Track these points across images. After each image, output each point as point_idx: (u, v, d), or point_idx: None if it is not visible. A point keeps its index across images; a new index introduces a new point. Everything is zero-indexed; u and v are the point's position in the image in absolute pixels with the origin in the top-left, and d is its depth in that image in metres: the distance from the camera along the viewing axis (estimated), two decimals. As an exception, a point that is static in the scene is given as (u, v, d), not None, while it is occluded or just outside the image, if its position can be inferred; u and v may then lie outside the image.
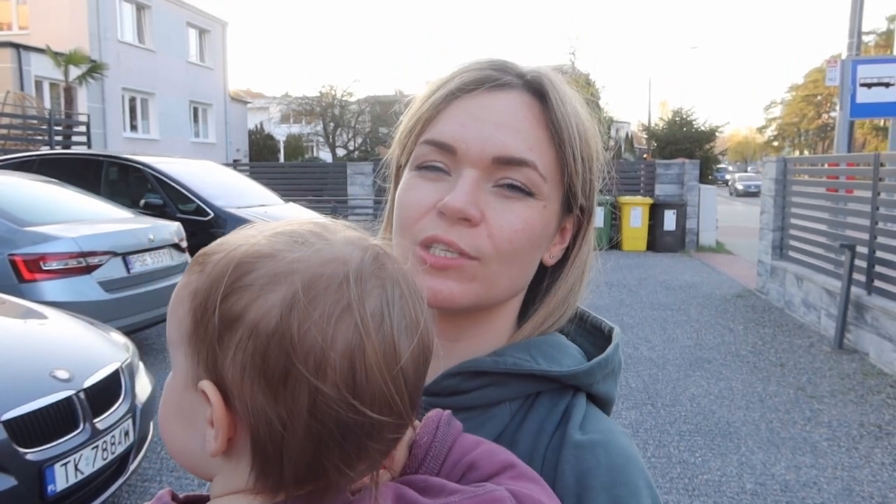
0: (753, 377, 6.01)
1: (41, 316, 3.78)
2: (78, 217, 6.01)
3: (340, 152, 33.09)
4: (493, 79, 0.75)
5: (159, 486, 3.93)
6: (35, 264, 5.08)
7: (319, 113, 32.90)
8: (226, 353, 0.52)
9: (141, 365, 3.75)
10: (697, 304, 9.05)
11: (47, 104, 19.89)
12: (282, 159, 34.18)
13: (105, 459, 3.03)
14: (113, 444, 3.09)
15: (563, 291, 0.80)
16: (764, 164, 10.32)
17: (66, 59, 17.29)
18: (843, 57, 11.69)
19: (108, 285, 5.46)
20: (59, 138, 15.71)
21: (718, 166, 43.23)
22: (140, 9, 25.90)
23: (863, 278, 6.80)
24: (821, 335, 7.42)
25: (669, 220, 14.53)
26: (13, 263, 5.05)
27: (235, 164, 18.63)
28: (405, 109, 0.82)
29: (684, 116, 30.87)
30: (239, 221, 8.79)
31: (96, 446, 2.97)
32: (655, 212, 14.58)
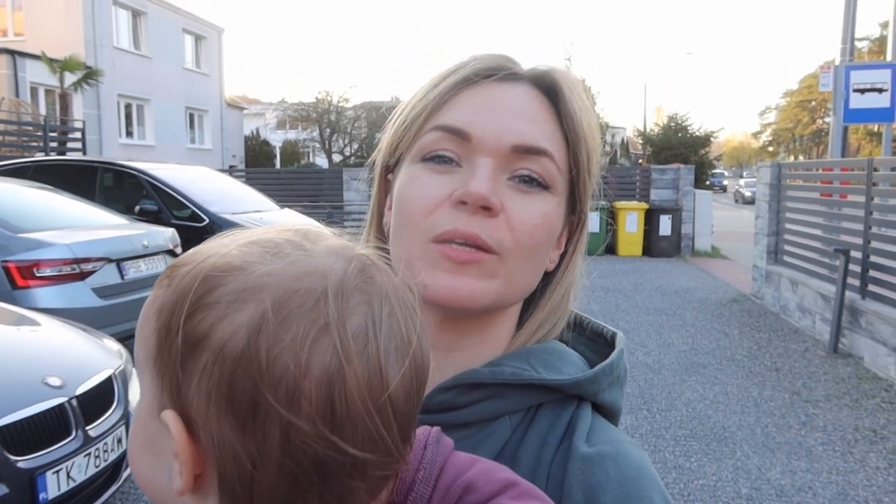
0: (749, 382, 6.01)
1: (34, 322, 3.77)
2: (72, 223, 6.00)
3: (336, 158, 33.12)
4: (504, 68, 0.72)
5: (153, 494, 3.91)
6: (28, 271, 5.06)
7: (315, 119, 32.96)
8: (190, 379, 0.47)
9: (134, 372, 3.73)
10: (693, 309, 9.06)
11: (43, 110, 19.87)
12: (278, 165, 34.17)
13: (98, 467, 3.02)
14: (105, 451, 3.08)
15: (557, 297, 0.76)
16: (758, 169, 10.35)
17: (61, 66, 17.28)
18: (837, 63, 11.74)
19: (101, 292, 5.44)
20: (54, 145, 15.69)
21: (714, 171, 43.11)
22: (136, 15, 25.92)
23: (857, 283, 6.82)
24: (816, 339, 7.43)
25: (665, 225, 14.55)
26: (6, 270, 5.03)
27: (231, 171, 18.62)
28: (389, 119, 0.78)
29: (679, 122, 30.94)
30: (233, 227, 8.83)
31: (89, 453, 2.96)
32: (651, 217, 14.61)
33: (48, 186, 7.01)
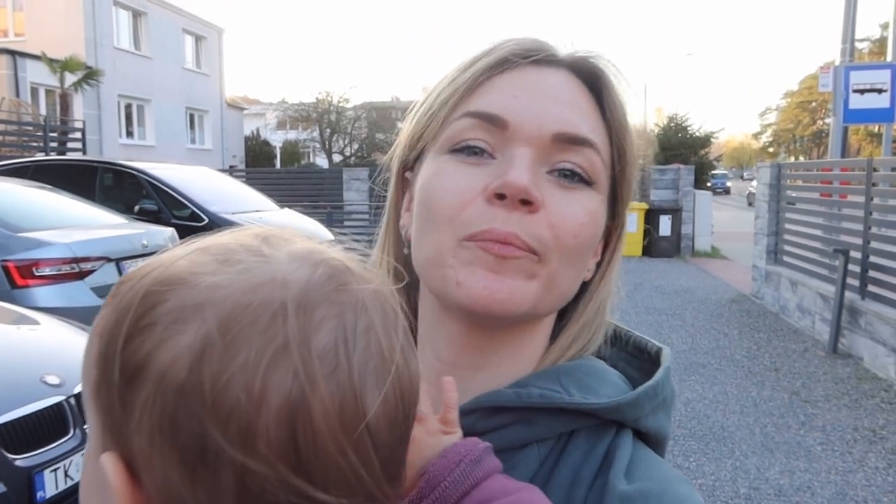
0: (748, 382, 6.01)
1: (33, 321, 3.77)
2: (71, 223, 6.00)
3: (337, 158, 33.13)
4: (546, 50, 0.64)
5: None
6: (28, 270, 5.06)
7: (316, 119, 32.98)
8: (130, 416, 0.40)
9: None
10: (692, 309, 9.06)
11: (43, 111, 19.88)
12: (278, 165, 34.19)
13: (96, 465, 3.02)
14: (104, 449, 3.08)
15: (593, 308, 0.68)
16: (758, 169, 10.35)
17: (61, 66, 17.30)
18: (837, 63, 11.75)
19: (101, 291, 5.44)
20: (54, 145, 15.71)
21: (714, 172, 42.90)
22: (136, 15, 25.93)
23: (857, 283, 6.82)
24: (815, 340, 7.43)
25: (665, 226, 14.55)
26: (6, 269, 5.04)
27: (231, 171, 18.64)
28: (409, 110, 0.70)
29: (679, 122, 30.92)
30: (234, 227, 8.85)
31: (87, 452, 2.96)
32: (651, 217, 14.60)
33: (48, 186, 7.02)
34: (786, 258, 9.02)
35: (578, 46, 0.66)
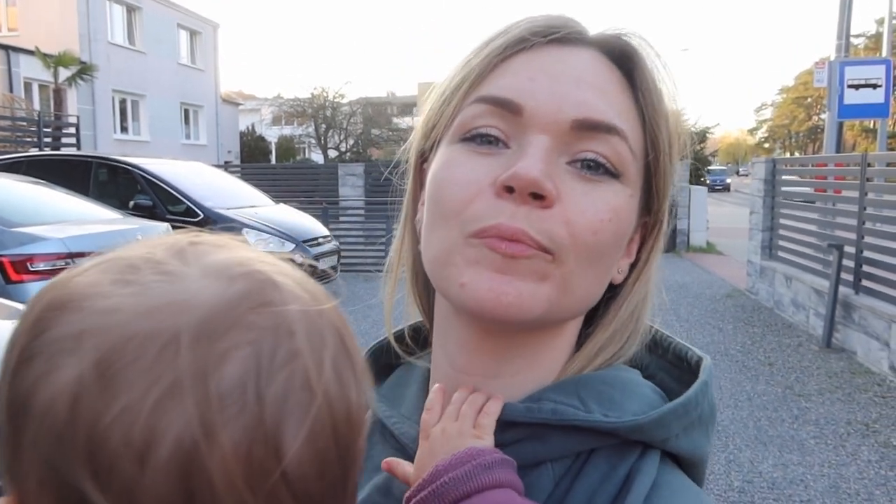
0: (742, 376, 6.04)
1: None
2: (66, 218, 6.00)
3: (332, 154, 33.07)
4: (570, 27, 0.58)
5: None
6: (22, 265, 5.06)
7: (311, 115, 32.90)
8: (20, 457, 0.35)
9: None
10: (688, 304, 9.08)
11: (37, 106, 19.82)
12: (273, 161, 34.14)
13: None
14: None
15: (625, 314, 0.62)
16: (753, 165, 10.37)
17: (55, 61, 17.23)
18: (832, 59, 11.78)
19: (96, 286, 5.44)
20: (48, 140, 15.65)
21: (712, 168, 42.58)
22: (130, 10, 25.82)
23: (850, 278, 6.84)
24: (809, 334, 7.46)
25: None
26: (0, 264, 5.03)
27: (226, 166, 18.60)
28: (423, 100, 0.64)
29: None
30: (229, 222, 8.82)
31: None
32: (646, 213, 14.61)
33: (42, 181, 7.01)
34: (780, 253, 9.04)
35: (610, 25, 0.60)
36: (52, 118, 17.46)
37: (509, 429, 0.55)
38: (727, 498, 3.86)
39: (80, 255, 5.35)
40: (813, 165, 9.70)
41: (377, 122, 33.97)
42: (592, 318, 0.63)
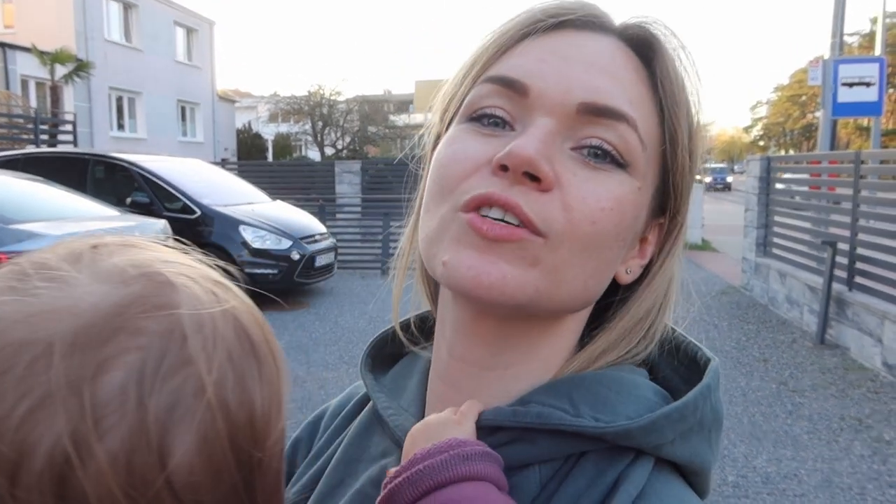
0: (737, 372, 6.08)
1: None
2: (63, 215, 6.01)
3: (329, 151, 33.05)
4: (585, 11, 0.56)
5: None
6: (20, 262, 5.07)
7: (308, 112, 32.86)
8: None
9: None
10: (682, 301, 9.10)
11: (33, 103, 19.78)
12: (270, 158, 34.10)
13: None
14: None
15: (634, 317, 0.58)
16: (748, 162, 10.41)
17: (52, 58, 17.20)
18: (826, 57, 11.82)
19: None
20: (45, 137, 15.63)
21: (712, 165, 41.87)
22: (127, 7, 25.76)
23: (844, 275, 6.89)
24: (803, 331, 7.50)
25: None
26: (-2, 261, 5.05)
27: (223, 163, 18.59)
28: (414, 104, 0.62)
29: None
30: (225, 219, 8.84)
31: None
32: (642, 210, 14.63)
33: (39, 178, 7.01)
34: (775, 250, 9.09)
35: (630, 15, 0.57)
36: (49, 115, 17.44)
37: (497, 432, 0.54)
38: (722, 492, 3.90)
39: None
40: (807, 163, 9.74)
41: (374, 120, 33.96)
42: (600, 321, 0.60)
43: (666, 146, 0.55)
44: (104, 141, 23.44)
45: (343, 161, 19.13)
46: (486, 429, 0.54)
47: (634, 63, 0.55)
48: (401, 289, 0.67)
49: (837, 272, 6.93)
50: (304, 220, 9.63)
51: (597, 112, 0.52)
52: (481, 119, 0.54)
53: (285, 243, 8.60)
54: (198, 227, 8.39)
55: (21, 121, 16.15)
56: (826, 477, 4.08)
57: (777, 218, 9.13)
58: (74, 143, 16.63)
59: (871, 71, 10.65)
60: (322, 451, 0.69)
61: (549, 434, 0.52)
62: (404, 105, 41.19)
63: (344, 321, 7.97)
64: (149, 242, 0.41)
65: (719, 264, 12.59)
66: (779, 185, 9.29)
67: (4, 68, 19.89)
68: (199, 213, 8.47)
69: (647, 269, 0.60)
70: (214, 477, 0.35)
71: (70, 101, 20.83)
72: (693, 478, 0.55)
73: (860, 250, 6.82)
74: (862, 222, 6.91)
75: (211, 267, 0.42)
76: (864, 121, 27.14)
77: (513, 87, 0.53)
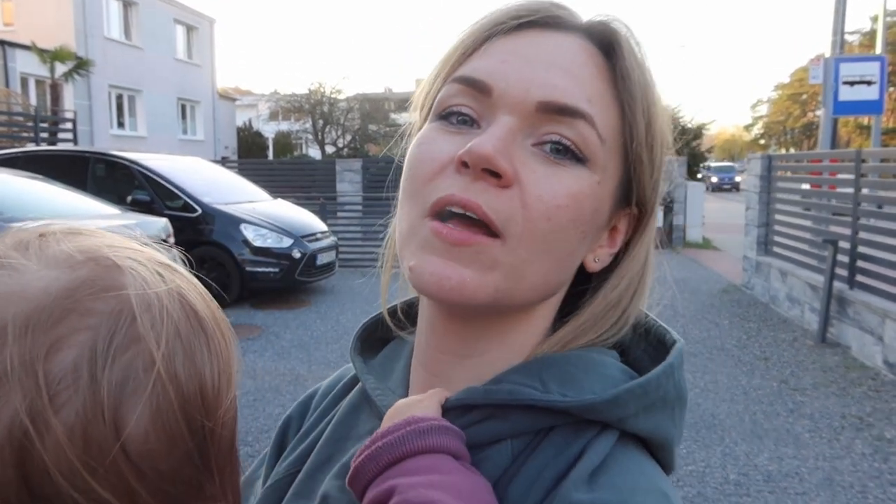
0: (738, 370, 6.08)
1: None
2: (63, 213, 6.00)
3: (329, 149, 33.05)
4: (547, 11, 0.58)
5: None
6: (22, 260, 5.07)
7: (308, 110, 32.86)
8: None
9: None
10: (683, 300, 9.11)
11: (33, 101, 19.76)
12: (270, 156, 34.10)
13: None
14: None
15: (604, 303, 0.61)
16: (749, 160, 10.41)
17: (52, 56, 17.19)
18: (827, 56, 11.82)
19: (95, 281, 5.45)
20: (45, 135, 15.62)
21: (720, 164, 41.75)
22: (127, 5, 25.75)
23: (845, 273, 6.89)
24: (804, 329, 7.50)
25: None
26: None
27: (224, 161, 18.58)
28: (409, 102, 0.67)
29: (671, 114, 30.93)
30: (226, 217, 8.84)
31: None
32: (643, 208, 14.64)
33: (39, 176, 7.01)
34: (776, 249, 9.09)
35: (594, 13, 0.60)
36: (49, 114, 17.43)
37: (472, 410, 0.56)
38: (723, 491, 3.90)
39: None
40: (808, 161, 9.74)
41: (375, 118, 33.93)
42: (573, 306, 0.63)
43: (626, 139, 0.58)
44: (104, 139, 23.43)
45: (344, 159, 19.12)
46: (462, 408, 0.56)
47: (597, 60, 0.57)
48: (388, 276, 0.71)
49: (838, 270, 6.93)
50: (305, 218, 9.63)
51: (555, 110, 0.54)
52: (449, 117, 0.57)
53: (286, 242, 8.59)
54: (198, 226, 8.39)
55: (21, 119, 16.14)
56: (827, 475, 4.08)
57: (778, 216, 9.13)
58: (74, 141, 16.62)
59: (871, 69, 10.63)
60: (311, 428, 0.72)
61: (520, 410, 0.55)
62: (405, 103, 40.78)
63: (345, 319, 7.97)
64: (94, 229, 0.44)
65: (720, 263, 12.59)
66: (780, 184, 9.29)
67: (4, 66, 19.88)
68: (199, 211, 8.47)
69: (617, 257, 0.63)
70: (168, 445, 0.38)
71: (70, 99, 20.82)
72: (658, 452, 0.57)
73: (861, 249, 6.82)
74: (863, 221, 6.91)
75: (157, 250, 0.45)
76: (865, 119, 27.15)
77: (477, 87, 0.56)
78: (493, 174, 0.52)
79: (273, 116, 36.61)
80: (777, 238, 9.10)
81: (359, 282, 9.82)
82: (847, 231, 7.02)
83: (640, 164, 0.59)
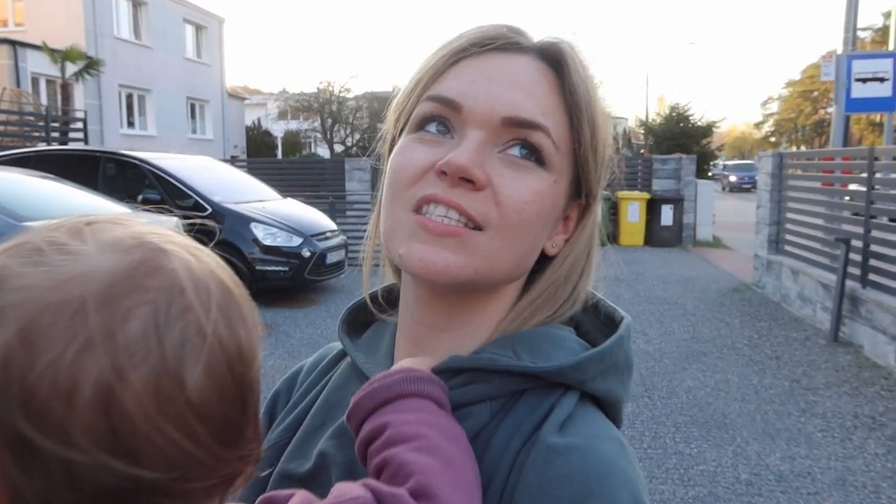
0: (749, 370, 6.05)
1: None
2: (75, 212, 6.00)
3: (338, 148, 33.11)
4: (505, 38, 0.68)
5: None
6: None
7: (317, 109, 32.94)
8: None
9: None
10: (694, 298, 9.08)
11: (44, 101, 19.86)
12: (279, 155, 34.18)
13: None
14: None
15: (551, 280, 0.72)
16: (760, 158, 10.35)
17: (62, 56, 17.27)
18: (839, 52, 11.73)
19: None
20: (56, 135, 15.69)
21: (741, 162, 41.46)
22: (136, 5, 25.86)
23: (857, 272, 6.84)
24: (816, 328, 7.46)
25: (666, 215, 14.56)
26: (12, 258, 5.08)
27: (233, 161, 18.64)
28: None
29: (681, 112, 30.84)
30: (237, 216, 8.87)
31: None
32: (653, 206, 14.61)
33: (51, 175, 7.05)
34: (787, 247, 9.03)
35: (547, 34, 0.70)
36: (60, 113, 17.50)
37: (458, 375, 0.66)
38: (735, 490, 3.88)
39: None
40: (820, 159, 9.68)
41: (383, 117, 33.92)
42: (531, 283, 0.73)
43: (575, 145, 0.68)
44: (114, 138, 23.55)
45: (353, 158, 19.13)
46: (448, 371, 0.66)
47: (549, 77, 0.67)
48: (369, 267, 0.83)
49: (851, 269, 6.89)
50: (314, 217, 9.64)
51: (517, 124, 0.65)
52: (425, 129, 0.67)
53: (296, 240, 8.60)
54: (209, 225, 8.42)
55: (32, 118, 16.21)
56: (840, 475, 4.05)
57: (789, 214, 9.07)
58: (85, 140, 16.69)
59: (885, 66, 10.55)
60: (300, 400, 0.82)
61: (499, 374, 0.65)
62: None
63: (354, 318, 7.97)
64: (129, 219, 0.50)
65: (731, 261, 12.53)
66: (791, 182, 9.23)
67: (15, 66, 20.00)
68: (210, 210, 8.50)
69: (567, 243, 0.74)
70: (220, 394, 0.46)
71: (80, 98, 20.93)
72: (609, 410, 0.68)
73: (874, 247, 6.77)
74: (875, 219, 6.86)
75: (183, 236, 0.52)
76: (877, 116, 26.95)
77: (449, 105, 0.66)
78: (468, 181, 0.62)
79: (282, 115, 36.73)
80: (788, 236, 9.04)
81: (370, 280, 9.84)
82: (859, 229, 6.97)
83: (587, 164, 0.70)
